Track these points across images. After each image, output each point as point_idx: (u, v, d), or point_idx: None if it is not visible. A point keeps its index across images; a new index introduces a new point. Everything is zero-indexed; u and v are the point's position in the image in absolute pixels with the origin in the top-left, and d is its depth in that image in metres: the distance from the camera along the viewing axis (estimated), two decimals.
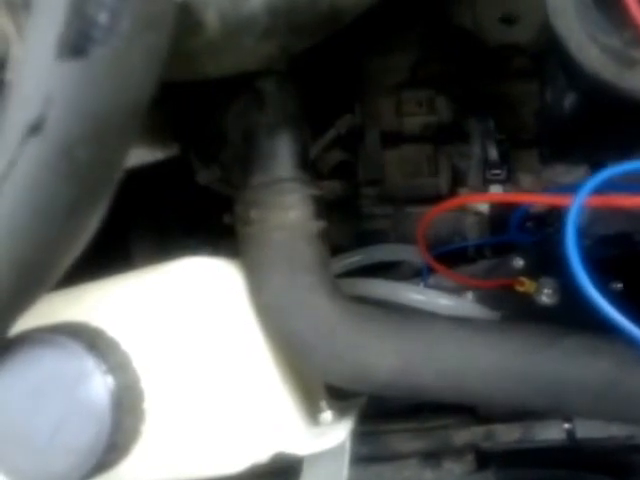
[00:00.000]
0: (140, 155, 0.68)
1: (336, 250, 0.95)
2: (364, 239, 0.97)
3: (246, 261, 0.72)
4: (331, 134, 0.94)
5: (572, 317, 0.84)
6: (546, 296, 0.84)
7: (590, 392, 0.65)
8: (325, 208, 0.76)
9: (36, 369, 0.60)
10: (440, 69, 0.95)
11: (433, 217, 0.82)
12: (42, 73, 0.43)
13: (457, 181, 0.94)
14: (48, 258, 0.50)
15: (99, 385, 0.60)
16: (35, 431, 0.60)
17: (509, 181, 0.91)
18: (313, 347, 0.69)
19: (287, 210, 0.71)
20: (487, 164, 0.91)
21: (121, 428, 0.60)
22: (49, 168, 0.45)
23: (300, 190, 0.72)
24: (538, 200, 0.83)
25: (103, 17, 0.43)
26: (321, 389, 0.80)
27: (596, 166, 0.85)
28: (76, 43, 0.43)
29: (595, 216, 0.80)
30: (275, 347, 0.72)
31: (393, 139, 0.94)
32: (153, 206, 1.01)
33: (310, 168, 0.76)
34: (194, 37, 0.53)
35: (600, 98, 0.66)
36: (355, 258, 0.94)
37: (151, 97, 0.48)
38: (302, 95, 0.77)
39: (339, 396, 0.82)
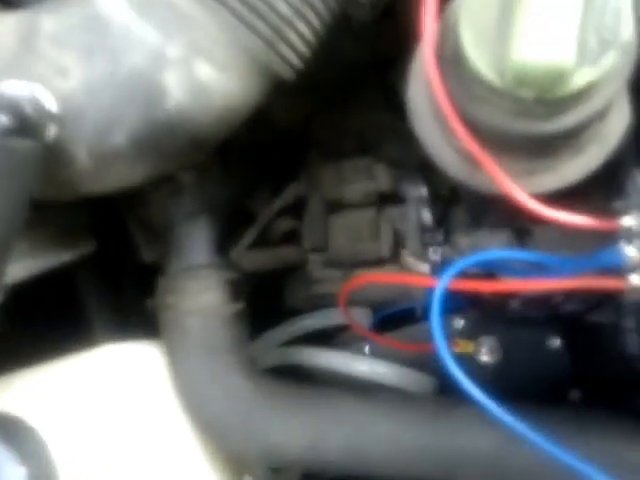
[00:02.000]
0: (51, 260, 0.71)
1: (290, 313, 0.99)
2: (315, 302, 0.99)
3: (165, 346, 0.75)
4: (278, 203, 0.97)
5: (514, 373, 0.87)
6: (486, 355, 0.86)
7: (480, 465, 0.66)
8: (245, 287, 0.79)
9: None
10: (382, 135, 0.97)
11: (354, 286, 0.84)
12: None
13: (399, 244, 0.95)
14: None
15: (12, 475, 0.63)
16: None
17: (447, 243, 0.93)
18: (227, 428, 0.72)
19: (200, 295, 0.74)
20: (423, 228, 0.93)
21: None
22: None
23: (214, 275, 0.76)
24: (406, 281, 0.87)
25: None
26: (247, 465, 0.82)
27: (519, 231, 0.87)
28: None
29: None
30: (195, 427, 0.74)
31: (336, 206, 0.95)
32: (112, 281, 1.04)
33: (225, 251, 0.79)
34: (68, 168, 0.58)
35: None
36: (301, 323, 0.97)
37: (19, 228, 0.53)
38: (228, 179, 0.80)
39: (272, 469, 0.84)
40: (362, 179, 0.94)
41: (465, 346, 0.86)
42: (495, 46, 0.50)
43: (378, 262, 0.94)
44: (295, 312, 0.99)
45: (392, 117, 0.96)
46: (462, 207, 0.94)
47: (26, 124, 0.53)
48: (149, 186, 0.76)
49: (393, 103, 0.94)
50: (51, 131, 0.55)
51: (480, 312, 0.86)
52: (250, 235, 0.99)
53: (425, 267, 0.93)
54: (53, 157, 0.55)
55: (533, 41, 0.47)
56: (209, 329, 0.74)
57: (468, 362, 0.85)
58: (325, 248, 0.97)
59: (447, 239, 0.92)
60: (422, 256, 0.92)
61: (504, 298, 0.79)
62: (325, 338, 0.98)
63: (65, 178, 0.58)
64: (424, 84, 0.60)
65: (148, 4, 0.55)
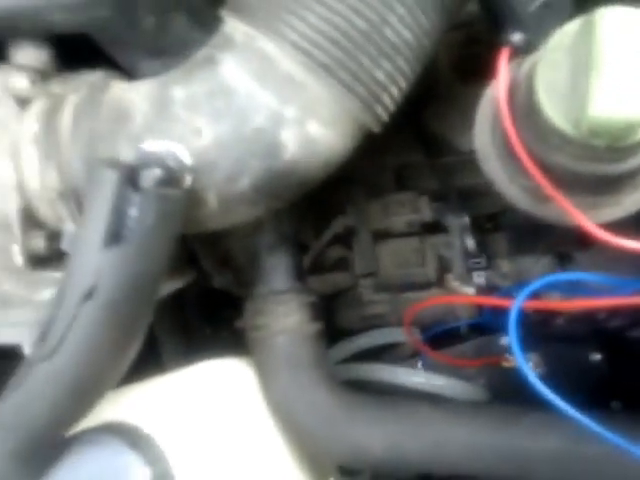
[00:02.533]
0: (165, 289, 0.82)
1: (342, 333, 1.09)
2: (366, 322, 1.08)
3: (256, 362, 0.86)
4: (328, 234, 1.06)
5: (557, 386, 0.97)
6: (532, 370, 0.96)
7: (549, 463, 0.77)
8: (321, 308, 0.89)
9: (87, 465, 0.71)
10: (421, 172, 1.07)
11: (417, 311, 0.95)
12: (93, 256, 0.61)
13: (444, 268, 1.04)
14: (101, 383, 0.67)
15: (140, 476, 0.72)
16: None
17: (490, 267, 1.03)
18: (315, 435, 0.83)
19: (286, 316, 0.85)
20: (467, 254, 1.03)
21: None
22: (100, 322, 0.62)
23: (296, 299, 0.87)
24: (487, 302, 0.95)
25: (134, 213, 0.60)
26: (330, 468, 0.92)
27: (562, 257, 0.98)
28: (116, 234, 0.61)
29: None
30: (285, 435, 0.85)
31: (382, 236, 1.05)
32: (178, 308, 1.15)
33: (305, 277, 0.90)
34: (198, 210, 0.69)
35: None
36: (358, 342, 1.07)
37: (171, 261, 0.64)
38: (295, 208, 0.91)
39: (347, 473, 0.94)
40: (406, 211, 1.04)
41: (513, 361, 0.96)
42: (569, 100, 0.58)
43: (425, 286, 1.04)
44: (345, 332, 1.09)
45: (426, 154, 1.07)
46: (501, 235, 1.04)
47: (170, 176, 0.64)
48: None
49: (426, 141, 1.07)
50: (187, 181, 0.66)
51: (526, 330, 0.97)
52: (304, 263, 1.10)
53: (470, 290, 1.03)
54: (188, 201, 0.67)
55: (608, 98, 0.55)
56: (295, 346, 0.85)
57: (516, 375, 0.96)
58: (375, 273, 1.06)
59: (489, 264, 1.03)
60: (467, 280, 1.02)
61: (550, 316, 0.90)
62: (373, 356, 1.08)
63: (195, 219, 0.70)
64: (489, 130, 0.71)
65: (267, 75, 0.67)
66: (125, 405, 0.80)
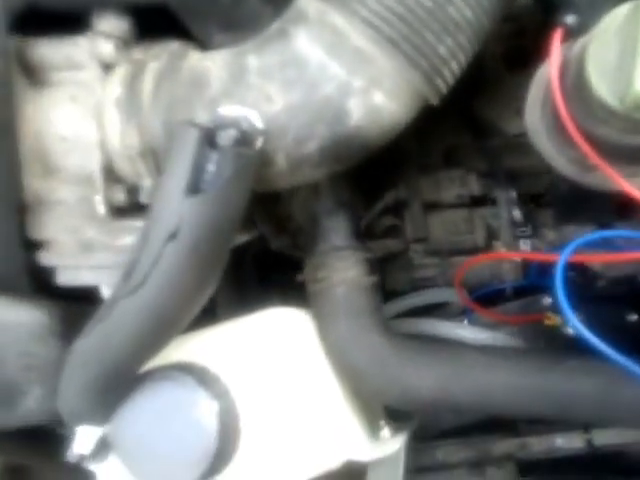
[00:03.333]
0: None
1: (393, 294, 1.15)
2: (416, 284, 1.15)
3: (315, 311, 0.92)
4: (380, 205, 1.12)
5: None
6: (571, 328, 1.01)
7: (589, 404, 0.83)
8: (377, 265, 0.96)
9: (159, 399, 0.79)
10: (469, 152, 1.13)
11: (467, 269, 1.01)
12: (175, 203, 0.68)
13: (491, 235, 1.10)
14: (181, 319, 0.74)
15: (208, 409, 0.79)
16: (160, 446, 0.79)
17: (535, 236, 1.08)
18: (369, 376, 0.89)
19: (345, 270, 0.92)
20: (514, 223, 1.08)
21: (224, 442, 0.79)
22: (183, 261, 0.69)
23: (354, 255, 0.93)
24: (536, 257, 1.03)
25: (212, 169, 0.68)
26: (380, 410, 0.99)
27: (603, 226, 1.03)
28: (195, 186, 0.68)
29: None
30: (341, 378, 0.91)
31: (433, 207, 1.11)
32: (235, 266, 1.22)
33: (361, 237, 0.96)
34: (268, 169, 0.76)
35: None
36: (409, 300, 1.13)
37: (245, 209, 0.72)
38: (350, 179, 0.97)
39: (395, 417, 1.01)
40: (456, 186, 1.10)
41: (554, 319, 1.01)
42: (616, 77, 0.65)
43: (474, 251, 1.09)
44: (396, 294, 1.15)
45: (474, 137, 1.12)
46: (546, 210, 1.10)
47: (244, 137, 0.71)
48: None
49: (474, 125, 1.11)
50: (259, 142, 0.73)
51: (568, 291, 1.02)
52: None
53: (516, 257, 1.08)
54: (259, 161, 0.74)
55: None
56: (353, 296, 0.91)
57: (557, 333, 1.01)
58: (425, 239, 1.12)
59: (535, 233, 1.08)
60: (513, 247, 1.07)
61: (591, 278, 0.94)
62: (422, 314, 1.13)
63: (265, 177, 0.77)
64: (540, 107, 0.77)
65: (337, 47, 0.73)
66: (193, 349, 0.87)
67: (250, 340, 0.89)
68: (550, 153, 0.77)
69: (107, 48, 0.81)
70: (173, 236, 0.68)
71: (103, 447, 0.79)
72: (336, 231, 0.95)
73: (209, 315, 0.88)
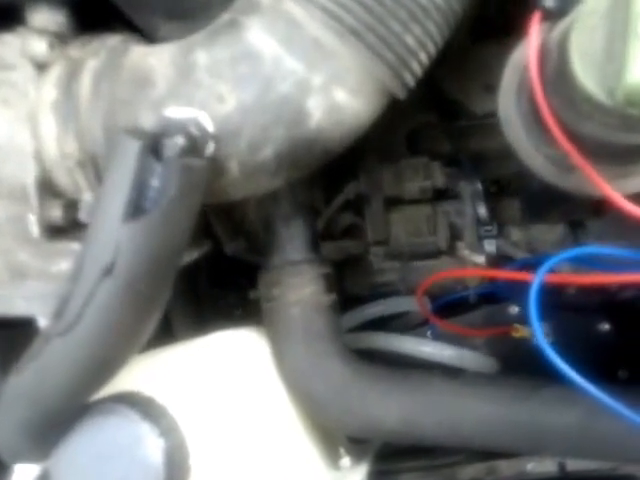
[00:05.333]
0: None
1: (351, 300, 1.09)
2: (376, 289, 1.08)
3: (270, 332, 0.85)
4: (340, 200, 1.05)
5: (566, 355, 0.97)
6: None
7: (565, 437, 0.77)
8: (335, 278, 0.89)
9: (101, 435, 0.72)
10: (433, 135, 1.06)
11: (430, 283, 0.94)
12: (112, 231, 0.59)
13: (455, 236, 1.04)
14: (117, 360, 0.66)
15: (154, 447, 0.72)
16: None
17: (500, 235, 1.03)
18: (328, 405, 0.83)
19: (301, 287, 0.84)
20: (479, 222, 1.02)
21: None
22: (118, 299, 0.61)
23: (312, 270, 0.86)
24: (506, 276, 0.94)
25: (155, 184, 0.59)
26: (340, 438, 0.92)
27: (574, 224, 0.97)
28: (136, 207, 0.59)
29: None
30: (298, 405, 0.84)
31: (395, 202, 1.04)
32: (189, 276, 1.14)
33: (318, 245, 0.89)
34: (220, 179, 0.68)
35: None
36: (369, 311, 1.07)
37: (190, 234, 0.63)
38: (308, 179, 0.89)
39: (356, 440, 0.94)
40: (419, 177, 1.03)
41: (522, 331, 0.96)
42: (604, 67, 0.57)
43: (435, 254, 1.04)
44: (354, 299, 1.09)
45: (439, 117, 1.07)
46: (513, 202, 1.04)
47: (193, 145, 0.63)
48: None
49: (439, 104, 1.05)
50: (210, 149, 0.65)
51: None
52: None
53: (480, 259, 1.03)
54: (210, 171, 0.65)
55: None
56: (310, 317, 0.84)
57: (525, 345, 0.96)
58: (386, 242, 1.06)
59: (500, 232, 1.03)
60: (477, 248, 1.02)
61: (561, 286, 0.89)
62: (381, 324, 1.08)
63: (216, 188, 0.68)
64: (515, 96, 0.69)
65: (294, 40, 0.65)
66: (139, 374, 0.79)
67: (201, 365, 0.82)
68: (525, 150, 0.68)
69: (40, 46, 0.73)
70: (109, 271, 0.59)
71: None
72: (292, 242, 0.87)
73: (164, 331, 0.80)
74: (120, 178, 0.59)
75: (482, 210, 1.03)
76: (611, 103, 0.57)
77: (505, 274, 0.94)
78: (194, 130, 0.64)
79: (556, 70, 0.62)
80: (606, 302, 0.97)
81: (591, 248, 0.81)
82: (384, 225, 1.05)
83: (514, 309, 0.99)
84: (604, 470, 1.01)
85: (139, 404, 0.74)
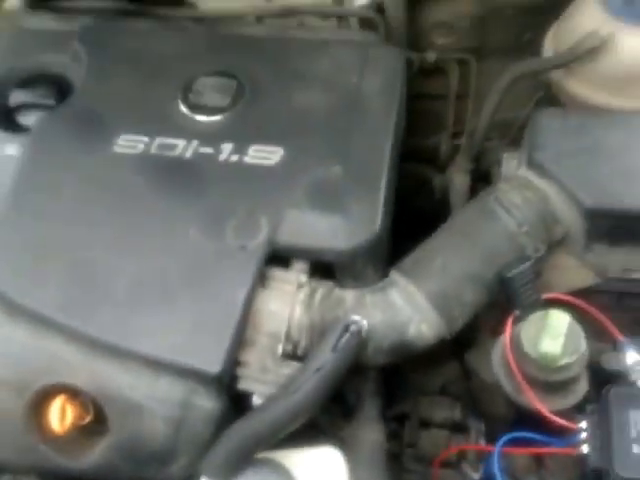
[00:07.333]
0: None
1: None
2: None
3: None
4: (389, 414, 1.38)
5: None
6: None
7: None
8: None
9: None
10: (458, 388, 1.47)
11: None
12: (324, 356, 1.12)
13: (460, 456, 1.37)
14: (298, 422, 1.09)
15: None
16: None
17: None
18: None
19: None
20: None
21: None
22: (320, 389, 1.08)
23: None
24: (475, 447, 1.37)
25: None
26: None
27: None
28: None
29: None
30: None
31: (426, 423, 1.41)
32: None
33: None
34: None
35: None
36: None
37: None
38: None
39: None
40: (445, 410, 1.46)
41: None
42: (535, 344, 1.18)
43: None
44: None
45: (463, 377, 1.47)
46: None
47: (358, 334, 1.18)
48: None
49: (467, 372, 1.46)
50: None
51: None
52: None
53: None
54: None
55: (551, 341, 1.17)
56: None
57: None
58: (416, 445, 1.41)
59: None
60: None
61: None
62: None
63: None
64: (501, 360, 1.25)
65: (411, 301, 1.26)
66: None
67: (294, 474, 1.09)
68: (505, 384, 1.24)
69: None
70: (318, 370, 1.08)
71: None
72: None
73: None
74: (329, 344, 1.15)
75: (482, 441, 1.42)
76: (542, 366, 1.18)
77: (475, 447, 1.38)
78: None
79: (518, 347, 1.20)
80: None
81: (528, 434, 1.21)
82: (417, 434, 1.42)
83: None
84: None
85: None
